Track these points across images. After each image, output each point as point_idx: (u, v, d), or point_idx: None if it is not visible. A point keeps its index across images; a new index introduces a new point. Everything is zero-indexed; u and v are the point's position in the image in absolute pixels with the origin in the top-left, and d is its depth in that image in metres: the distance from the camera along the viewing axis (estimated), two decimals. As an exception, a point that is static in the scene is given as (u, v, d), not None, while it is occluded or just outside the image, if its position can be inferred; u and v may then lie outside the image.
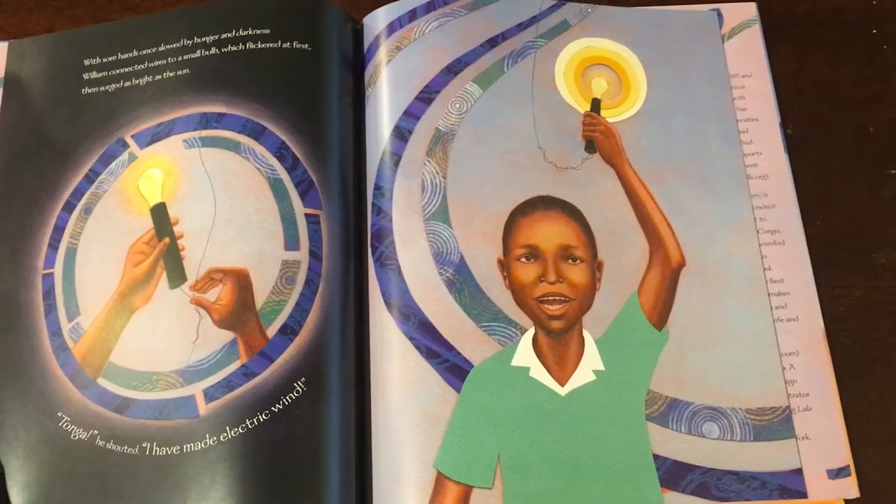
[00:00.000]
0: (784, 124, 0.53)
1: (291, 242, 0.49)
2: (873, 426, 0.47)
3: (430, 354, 0.47)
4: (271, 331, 0.47)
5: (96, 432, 0.46)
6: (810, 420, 0.46)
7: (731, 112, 0.53)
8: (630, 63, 0.55)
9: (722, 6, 0.56)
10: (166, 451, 0.45)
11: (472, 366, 0.47)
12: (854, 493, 0.45)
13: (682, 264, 0.49)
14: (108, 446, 0.45)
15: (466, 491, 0.44)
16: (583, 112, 0.53)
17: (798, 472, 0.45)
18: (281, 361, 0.46)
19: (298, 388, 0.45)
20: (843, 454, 0.46)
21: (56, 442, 0.46)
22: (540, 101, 0.53)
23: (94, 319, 0.48)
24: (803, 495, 0.45)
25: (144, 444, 0.45)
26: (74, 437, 0.46)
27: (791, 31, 0.57)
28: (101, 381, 0.47)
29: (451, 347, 0.47)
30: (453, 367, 0.47)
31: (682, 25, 0.56)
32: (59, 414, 0.47)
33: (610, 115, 0.53)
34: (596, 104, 0.54)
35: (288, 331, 0.47)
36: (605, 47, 0.55)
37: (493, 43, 0.55)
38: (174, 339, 0.47)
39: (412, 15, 0.55)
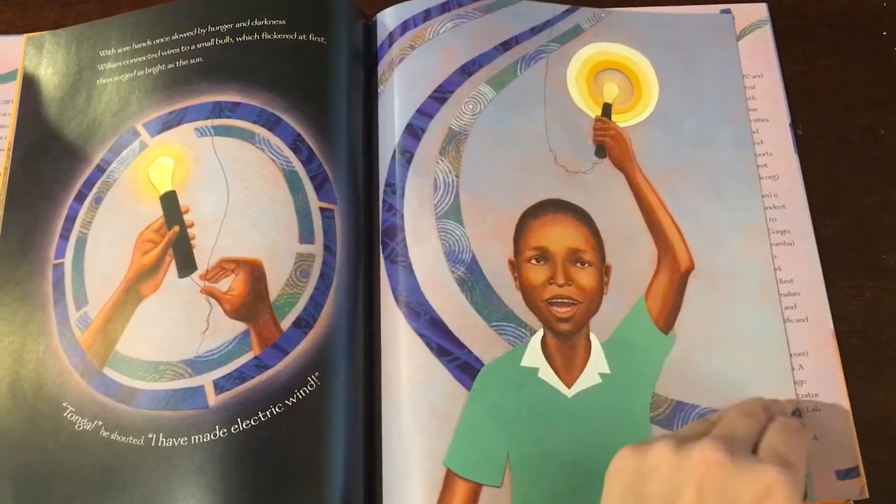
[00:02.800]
0: (794, 125, 0.53)
1: (306, 236, 0.48)
2: (882, 427, 0.47)
3: (440, 352, 0.47)
4: (285, 323, 0.47)
5: (101, 423, 0.45)
6: (819, 420, 0.46)
7: (743, 115, 0.53)
8: (642, 68, 0.55)
9: (733, 7, 0.56)
10: (173, 442, 0.44)
11: (482, 364, 0.47)
12: (863, 494, 0.45)
13: (690, 268, 0.49)
14: (113, 437, 0.45)
15: (476, 489, 0.44)
16: (594, 117, 0.53)
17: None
18: (295, 354, 0.46)
19: (313, 382, 0.45)
20: (851, 455, 0.46)
21: (59, 433, 0.45)
22: (552, 105, 0.53)
23: (101, 308, 0.48)
24: (810, 497, 0.45)
25: (150, 435, 0.45)
26: (78, 427, 0.45)
27: (801, 33, 0.57)
28: (107, 371, 0.47)
29: (462, 346, 0.47)
30: (464, 366, 0.47)
31: (696, 28, 0.56)
32: (64, 404, 0.46)
33: (621, 120, 0.53)
34: (607, 109, 0.54)
35: (302, 324, 0.46)
36: (618, 52, 0.55)
37: (506, 46, 0.55)
38: (183, 329, 0.47)
39: (426, 15, 0.55)
